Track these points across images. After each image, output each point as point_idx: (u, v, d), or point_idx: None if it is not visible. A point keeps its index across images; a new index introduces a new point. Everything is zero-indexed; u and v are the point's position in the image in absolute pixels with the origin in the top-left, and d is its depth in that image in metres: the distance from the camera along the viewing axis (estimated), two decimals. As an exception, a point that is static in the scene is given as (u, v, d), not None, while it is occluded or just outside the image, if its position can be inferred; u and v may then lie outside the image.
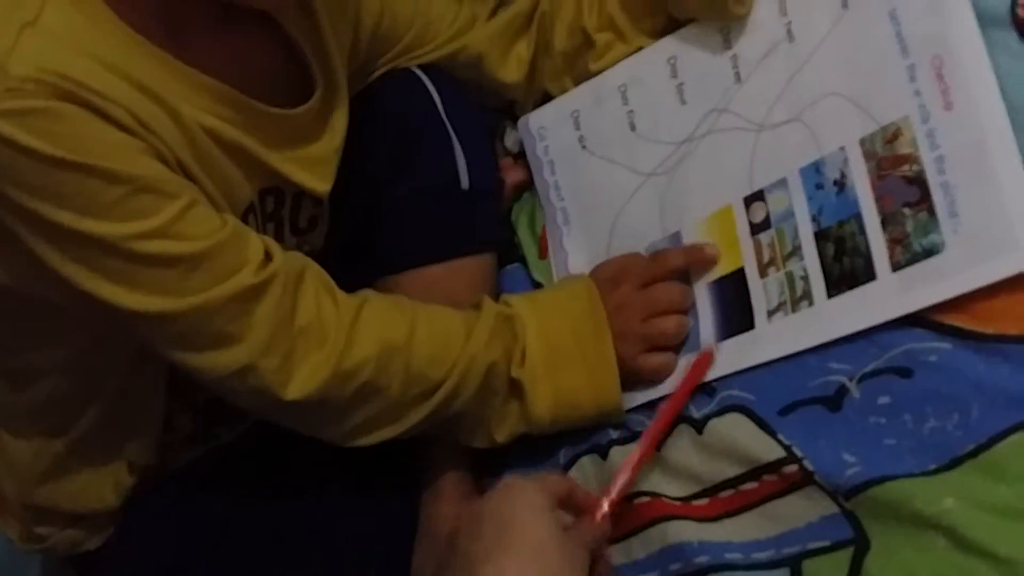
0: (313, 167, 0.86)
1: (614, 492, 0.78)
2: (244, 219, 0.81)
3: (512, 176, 1.04)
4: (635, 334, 0.87)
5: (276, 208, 0.87)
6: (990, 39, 0.74)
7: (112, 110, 0.69)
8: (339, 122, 0.88)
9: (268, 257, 0.77)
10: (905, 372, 0.72)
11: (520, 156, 1.04)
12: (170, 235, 0.71)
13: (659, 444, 0.82)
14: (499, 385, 0.85)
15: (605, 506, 0.77)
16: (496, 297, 0.91)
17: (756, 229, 0.85)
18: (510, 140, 1.04)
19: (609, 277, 0.90)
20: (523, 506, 0.69)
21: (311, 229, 0.92)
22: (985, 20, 0.75)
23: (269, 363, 0.76)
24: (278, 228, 0.88)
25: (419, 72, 0.97)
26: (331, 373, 0.78)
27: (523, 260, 1.02)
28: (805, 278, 0.80)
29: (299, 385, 0.77)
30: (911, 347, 0.72)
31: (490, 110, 1.05)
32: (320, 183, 0.87)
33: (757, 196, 0.86)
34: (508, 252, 1.02)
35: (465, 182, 0.95)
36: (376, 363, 0.80)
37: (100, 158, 0.68)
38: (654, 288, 0.88)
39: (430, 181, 0.95)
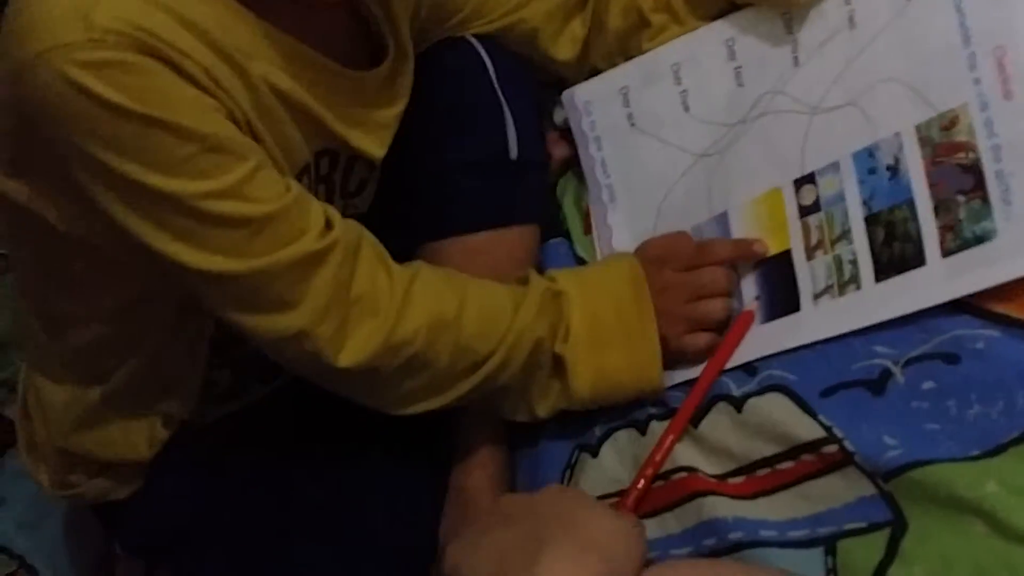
0: (374, 132, 0.87)
1: (652, 464, 0.79)
2: (299, 180, 0.81)
3: (558, 151, 1.04)
4: (679, 315, 0.87)
5: (330, 171, 0.87)
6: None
7: (189, 67, 0.69)
8: (404, 88, 0.89)
9: (329, 224, 0.77)
10: (951, 358, 0.72)
11: (567, 132, 1.04)
12: (238, 196, 0.72)
13: (697, 418, 0.82)
14: (544, 360, 0.86)
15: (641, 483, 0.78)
16: (538, 270, 0.91)
17: (805, 212, 0.85)
18: (559, 116, 1.04)
19: (655, 257, 0.90)
20: (579, 500, 0.71)
21: (359, 192, 0.93)
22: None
23: (324, 330, 0.76)
24: (329, 190, 0.89)
25: (475, 42, 0.98)
26: (382, 343, 0.79)
27: (567, 234, 1.02)
28: (854, 262, 0.80)
29: (351, 353, 0.78)
30: (959, 333, 0.72)
31: (541, 85, 1.05)
32: (378, 148, 0.88)
33: (808, 179, 0.86)
34: (553, 226, 1.02)
35: (514, 152, 0.96)
36: (426, 336, 0.80)
37: (175, 113, 0.68)
38: (701, 271, 0.88)
39: (480, 150, 0.96)
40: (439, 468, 0.96)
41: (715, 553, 0.76)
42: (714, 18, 0.95)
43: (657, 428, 0.85)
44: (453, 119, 0.96)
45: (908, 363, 0.74)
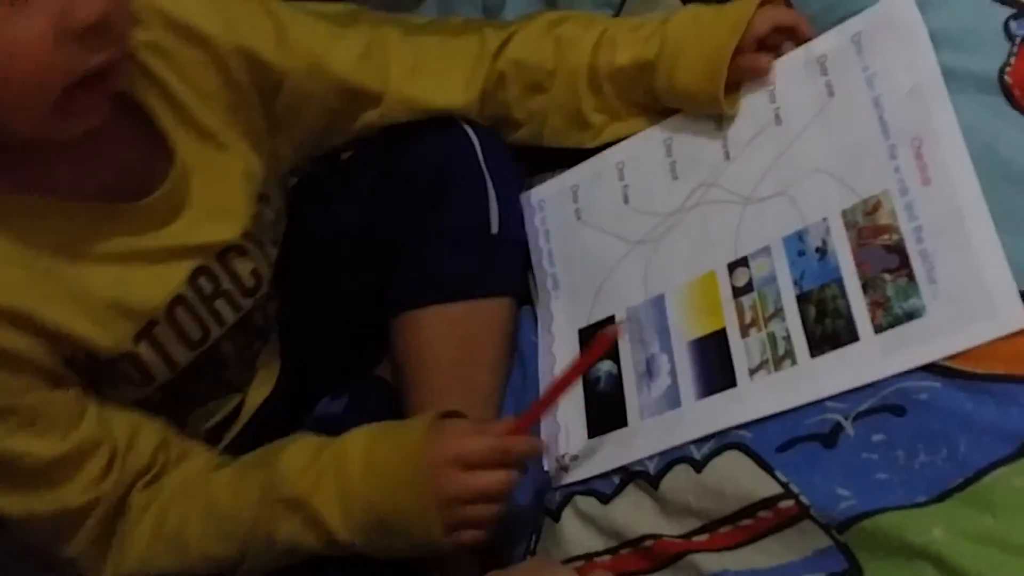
0: (213, 221, 0.86)
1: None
2: (173, 314, 0.84)
3: None
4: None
5: (216, 285, 0.88)
6: (981, 103, 0.81)
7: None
8: (234, 167, 0.88)
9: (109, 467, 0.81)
10: (898, 410, 0.75)
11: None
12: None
13: (656, 479, 0.86)
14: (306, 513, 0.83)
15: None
16: (515, 340, 0.97)
17: (738, 292, 0.89)
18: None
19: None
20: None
21: (259, 285, 0.92)
22: (976, 86, 0.82)
23: (84, 561, 0.83)
24: (232, 303, 0.90)
25: (463, 123, 1.00)
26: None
27: (531, 302, 1.05)
28: (787, 338, 0.84)
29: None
30: (904, 385, 0.76)
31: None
32: (227, 230, 0.87)
33: (741, 262, 0.90)
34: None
35: (495, 227, 0.99)
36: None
37: None
38: (482, 476, 0.83)
39: (462, 222, 0.98)
40: None
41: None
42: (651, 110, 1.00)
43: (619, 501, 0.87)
44: (437, 190, 0.98)
45: (858, 417, 0.77)
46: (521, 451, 0.85)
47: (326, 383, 1.11)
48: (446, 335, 0.95)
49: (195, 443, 0.90)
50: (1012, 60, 0.82)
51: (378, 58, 0.96)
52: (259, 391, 1.00)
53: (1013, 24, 0.83)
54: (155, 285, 0.83)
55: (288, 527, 0.83)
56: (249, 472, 0.86)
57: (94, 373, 0.82)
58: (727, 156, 0.94)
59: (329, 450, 0.84)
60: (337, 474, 0.82)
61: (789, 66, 0.93)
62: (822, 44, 0.92)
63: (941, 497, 0.71)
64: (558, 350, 0.99)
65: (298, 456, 0.85)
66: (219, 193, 0.86)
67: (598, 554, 0.88)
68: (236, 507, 0.84)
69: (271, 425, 0.97)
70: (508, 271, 1.01)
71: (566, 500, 0.91)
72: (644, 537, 0.85)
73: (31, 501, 0.80)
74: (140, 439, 0.84)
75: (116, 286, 0.80)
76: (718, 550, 0.81)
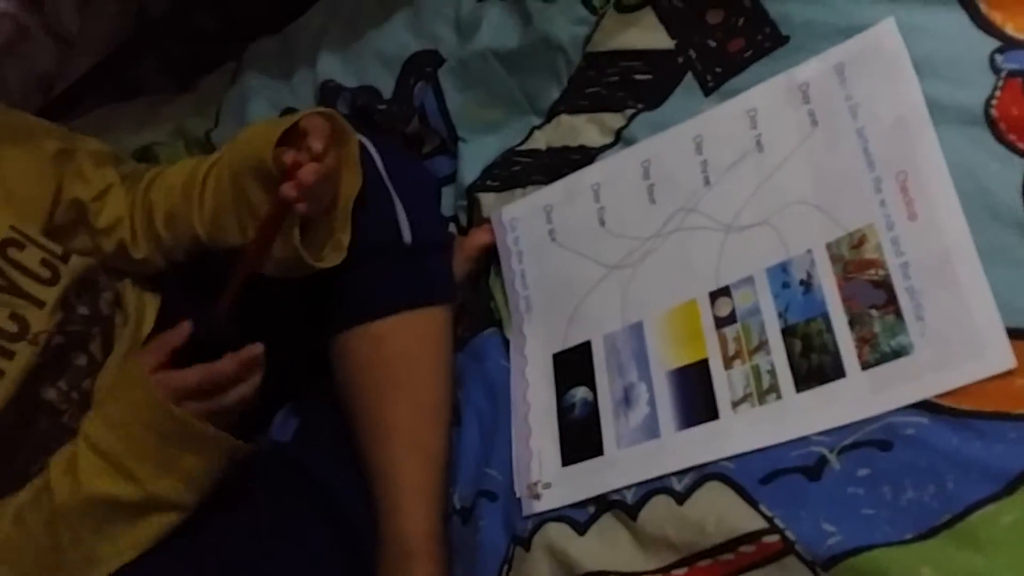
0: None
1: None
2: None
3: (480, 237, 1.06)
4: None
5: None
6: (966, 135, 0.80)
7: None
8: None
9: None
10: (885, 445, 0.75)
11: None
12: None
13: (634, 510, 0.84)
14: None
15: None
16: (476, 359, 0.95)
17: (721, 323, 0.88)
18: (486, 210, 1.08)
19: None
20: None
21: (24, 328, 0.91)
22: (961, 118, 0.81)
23: None
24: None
25: (362, 138, 0.99)
26: None
27: (499, 324, 1.03)
28: (772, 372, 0.83)
29: None
30: (890, 421, 0.75)
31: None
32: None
33: (723, 292, 0.89)
34: (486, 316, 1.04)
35: (407, 237, 0.97)
36: None
37: None
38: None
39: (371, 238, 0.96)
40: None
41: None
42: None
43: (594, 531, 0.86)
44: None
45: (843, 450, 0.76)
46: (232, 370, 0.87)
47: (269, 399, 1.08)
48: (378, 353, 0.94)
49: None
50: (997, 93, 0.82)
51: None
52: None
53: (999, 58, 0.83)
54: None
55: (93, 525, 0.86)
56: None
57: None
58: (707, 181, 0.93)
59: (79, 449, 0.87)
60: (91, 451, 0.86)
61: (770, 91, 0.92)
62: (804, 71, 0.91)
63: (928, 534, 0.71)
64: (531, 374, 0.98)
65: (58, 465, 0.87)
66: None
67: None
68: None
69: None
70: (429, 278, 0.99)
71: (537, 528, 0.89)
72: (590, 574, 0.83)
73: None
74: None
75: None
76: (697, 585, 0.80)
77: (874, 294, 0.80)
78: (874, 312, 0.80)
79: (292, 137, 0.89)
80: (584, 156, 1.04)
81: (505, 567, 0.90)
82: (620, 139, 1.03)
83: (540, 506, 0.91)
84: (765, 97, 0.92)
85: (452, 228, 1.12)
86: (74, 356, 0.95)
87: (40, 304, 0.90)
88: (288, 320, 1.00)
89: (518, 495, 0.92)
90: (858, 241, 0.83)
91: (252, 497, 1.03)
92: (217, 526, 0.98)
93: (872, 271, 0.81)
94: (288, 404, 1.11)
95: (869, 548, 0.71)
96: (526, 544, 0.89)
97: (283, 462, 1.02)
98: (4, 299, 0.88)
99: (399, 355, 0.94)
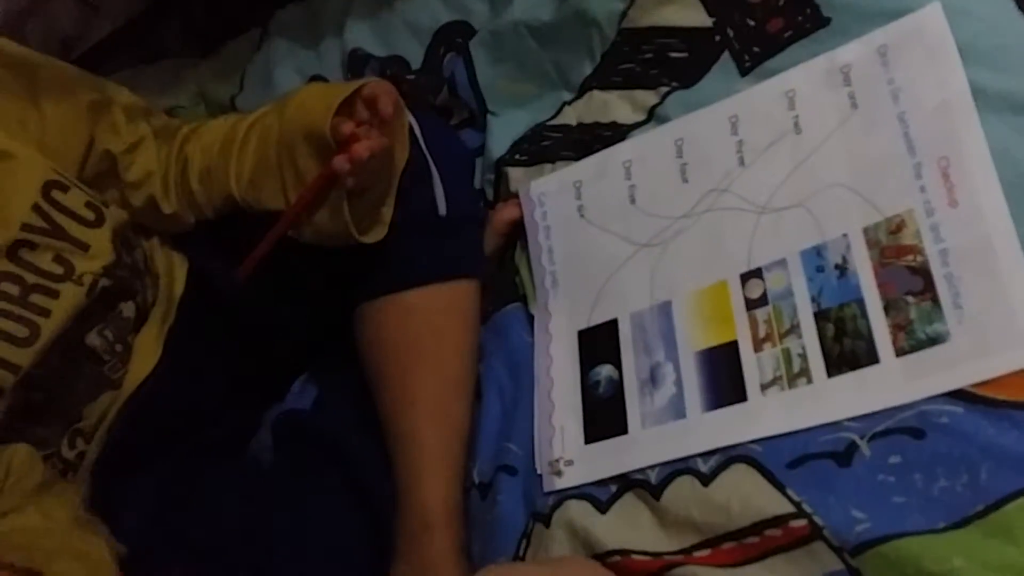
0: None
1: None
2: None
3: (508, 212, 1.05)
4: None
5: (21, 285, 0.86)
6: (1010, 123, 0.80)
7: None
8: (13, 171, 0.87)
9: None
10: (917, 433, 0.74)
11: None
12: None
13: (658, 490, 0.83)
14: None
15: None
16: (498, 334, 0.94)
17: (752, 305, 0.87)
18: (513, 184, 1.06)
19: None
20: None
21: (70, 270, 0.90)
22: (1005, 105, 0.80)
23: None
24: (47, 292, 0.88)
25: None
26: None
27: (523, 299, 1.02)
28: (803, 355, 0.82)
29: None
30: (923, 409, 0.74)
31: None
32: None
33: (755, 273, 0.88)
34: (510, 291, 1.03)
35: (443, 209, 0.96)
36: None
37: None
38: None
39: (407, 208, 0.94)
40: (377, 543, 0.93)
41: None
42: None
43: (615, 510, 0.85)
44: None
45: (874, 437, 0.75)
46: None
47: (290, 367, 1.10)
48: (406, 323, 0.93)
49: None
50: (1046, 82, 0.81)
51: None
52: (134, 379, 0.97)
53: (1047, 45, 0.82)
54: None
55: None
56: None
57: None
58: (741, 162, 0.92)
59: None
60: None
61: (810, 72, 0.91)
62: (846, 53, 0.89)
63: (961, 524, 0.70)
64: (556, 350, 0.97)
65: None
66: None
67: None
68: None
69: (154, 410, 0.97)
70: (462, 252, 0.98)
71: (558, 504, 0.89)
72: (611, 552, 0.82)
73: None
74: None
75: None
76: (720, 566, 0.79)
77: (911, 280, 0.79)
78: (910, 298, 0.79)
79: (347, 107, 0.87)
80: (615, 133, 1.03)
81: (523, 542, 0.89)
82: (653, 117, 1.02)
83: (562, 483, 0.90)
84: (804, 78, 0.91)
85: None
86: (121, 304, 0.95)
87: (85, 247, 0.90)
88: (311, 286, 0.99)
89: (539, 471, 0.92)
90: (896, 226, 0.82)
91: (271, 464, 1.03)
92: (236, 492, 0.98)
93: (910, 257, 0.80)
94: (306, 372, 1.10)
95: (900, 536, 0.70)
96: (546, 520, 0.88)
97: (302, 430, 1.02)
98: (49, 242, 0.87)
99: (427, 327, 0.93)
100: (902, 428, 0.75)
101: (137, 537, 0.90)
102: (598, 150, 1.02)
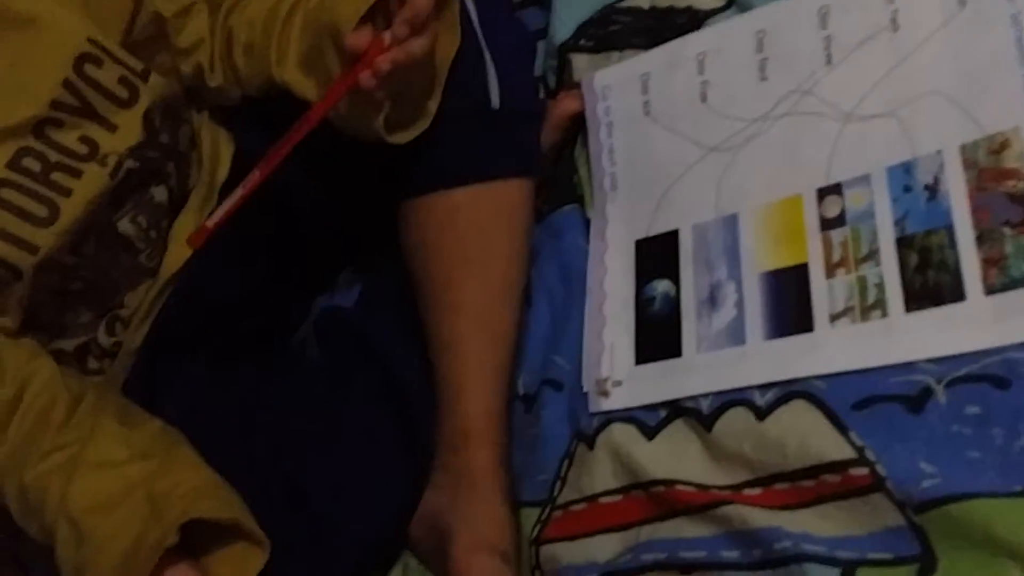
0: (10, 101, 0.81)
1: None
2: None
3: (569, 104, 0.99)
4: None
5: (43, 162, 0.82)
6: None
7: None
8: (39, 39, 0.81)
9: None
10: (1001, 382, 0.67)
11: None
12: None
13: (710, 421, 0.78)
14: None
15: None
16: (554, 235, 0.91)
17: (827, 224, 0.79)
18: (578, 73, 1.00)
19: None
20: None
21: (94, 149, 0.85)
22: None
23: None
24: (69, 171, 0.84)
25: None
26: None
27: (580, 200, 0.97)
28: (880, 286, 0.75)
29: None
30: (1012, 356, 0.67)
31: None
32: (25, 108, 0.81)
33: (833, 189, 0.80)
34: (567, 191, 0.98)
35: (496, 102, 0.89)
36: None
37: None
38: None
39: (457, 99, 0.87)
40: (415, 451, 0.90)
41: (766, 564, 0.72)
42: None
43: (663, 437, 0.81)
44: None
45: (952, 383, 0.69)
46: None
47: (334, 259, 1.07)
48: (451, 224, 0.88)
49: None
50: None
51: None
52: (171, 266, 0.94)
53: None
54: None
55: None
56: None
57: None
58: (828, 60, 0.84)
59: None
60: None
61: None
62: (958, -61, 0.79)
63: (1042, 489, 0.64)
64: (611, 260, 0.91)
65: None
66: (16, 73, 0.80)
67: (608, 493, 0.82)
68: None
69: (192, 298, 0.95)
70: (515, 149, 0.91)
71: (603, 426, 0.85)
72: (655, 482, 0.78)
73: None
74: None
75: None
76: (770, 507, 0.74)
77: (1010, 209, 0.71)
78: (1007, 230, 0.71)
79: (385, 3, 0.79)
80: (691, 20, 0.95)
81: (566, 463, 0.86)
82: (734, 3, 0.94)
83: (608, 404, 0.85)
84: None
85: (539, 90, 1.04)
86: (152, 188, 0.92)
87: (113, 127, 0.86)
88: (357, 177, 0.94)
89: (585, 389, 0.87)
90: (999, 146, 0.73)
91: (312, 361, 1.01)
92: (275, 384, 0.96)
93: (1011, 183, 0.72)
94: (351, 267, 1.06)
95: (971, 496, 0.64)
96: (590, 442, 0.84)
97: (344, 328, 1.00)
98: (77, 121, 0.83)
99: (474, 228, 0.88)
100: (984, 375, 0.68)
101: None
102: (669, 39, 0.94)
